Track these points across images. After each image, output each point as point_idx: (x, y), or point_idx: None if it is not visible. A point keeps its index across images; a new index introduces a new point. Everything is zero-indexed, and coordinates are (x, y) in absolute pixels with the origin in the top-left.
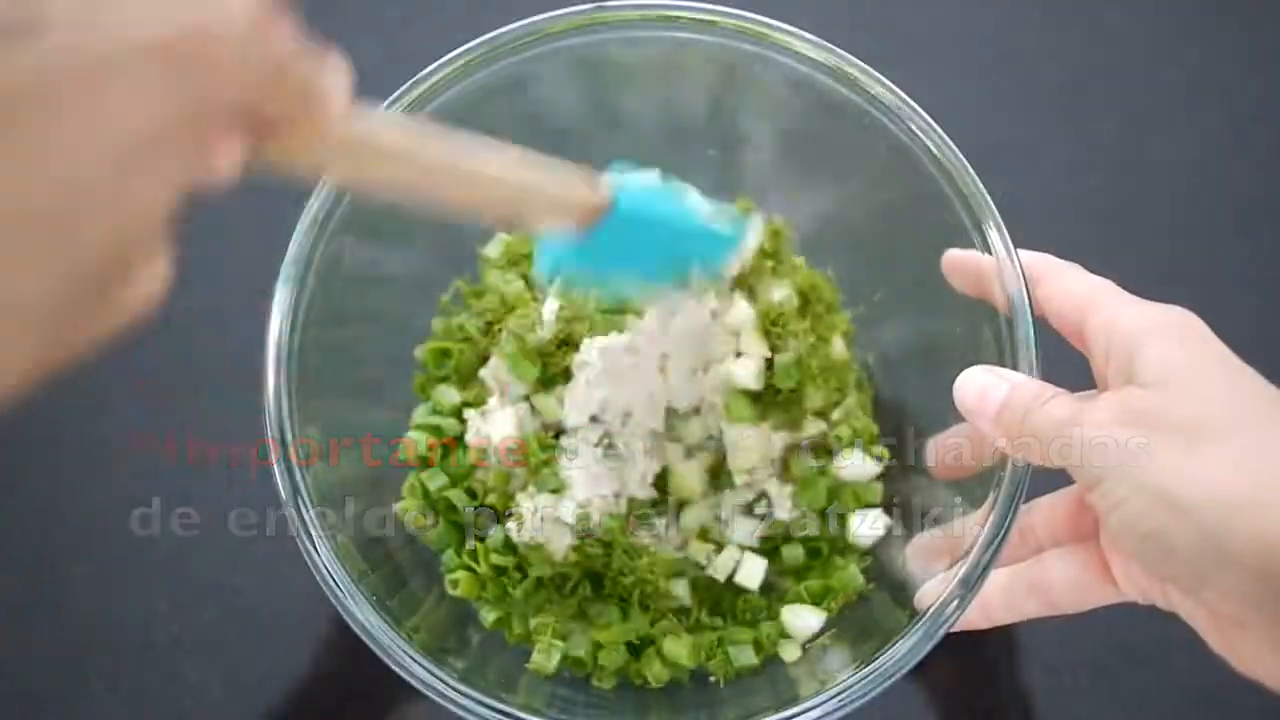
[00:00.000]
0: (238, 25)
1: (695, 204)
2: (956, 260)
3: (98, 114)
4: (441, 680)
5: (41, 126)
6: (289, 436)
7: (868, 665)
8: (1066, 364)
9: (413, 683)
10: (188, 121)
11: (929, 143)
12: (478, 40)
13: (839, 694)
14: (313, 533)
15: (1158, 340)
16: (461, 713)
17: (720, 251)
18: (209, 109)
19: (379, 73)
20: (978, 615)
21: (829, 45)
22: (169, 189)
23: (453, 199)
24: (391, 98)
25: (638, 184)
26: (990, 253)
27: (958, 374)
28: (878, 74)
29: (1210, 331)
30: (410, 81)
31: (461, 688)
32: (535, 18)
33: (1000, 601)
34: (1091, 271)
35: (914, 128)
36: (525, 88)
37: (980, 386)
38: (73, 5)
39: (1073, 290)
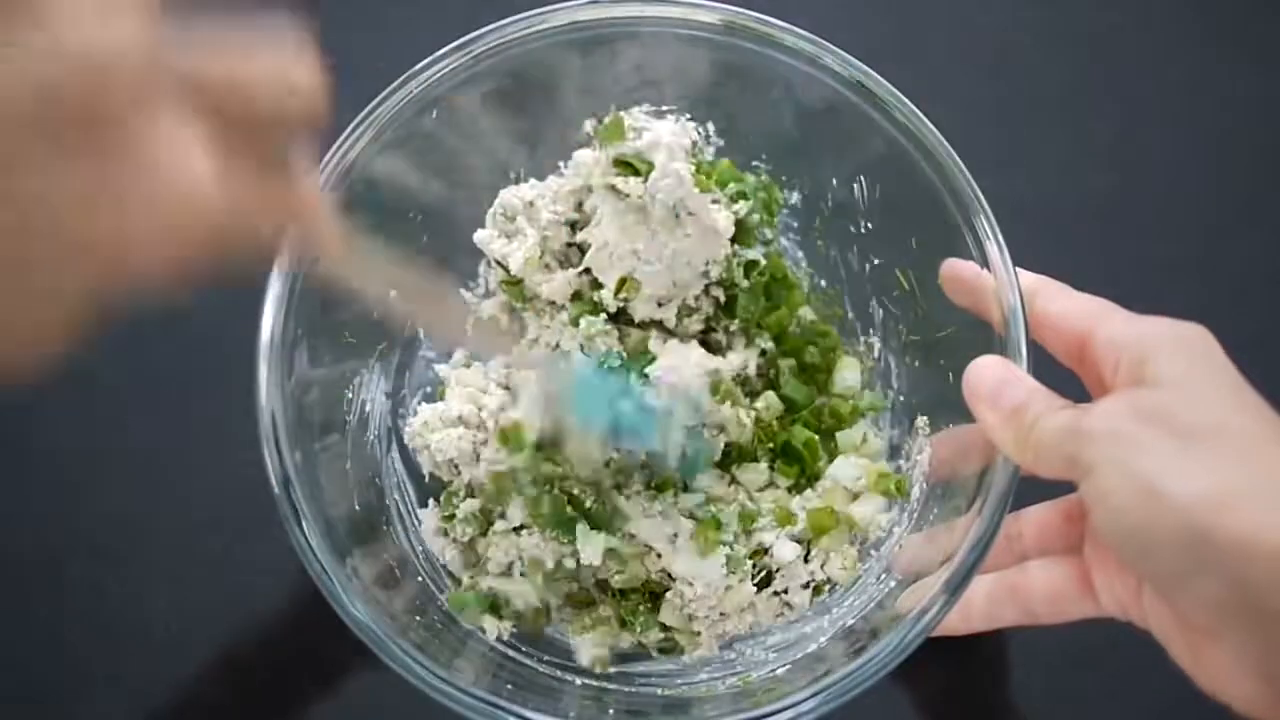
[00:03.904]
0: (185, 229)
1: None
2: (954, 271)
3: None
4: (431, 673)
5: None
6: (280, 425)
7: (848, 665)
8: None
9: (406, 676)
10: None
11: (926, 144)
12: (472, 35)
13: (819, 693)
14: (304, 521)
15: (1171, 349)
16: (455, 705)
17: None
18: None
19: (380, 72)
20: (958, 620)
21: (826, 44)
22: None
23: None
24: (386, 93)
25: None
26: (986, 263)
27: (948, 382)
28: (875, 74)
29: (1221, 349)
30: (402, 78)
31: (452, 680)
32: (531, 13)
33: (981, 607)
34: (1091, 271)
35: (911, 128)
36: (520, 84)
37: (998, 379)
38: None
39: (1074, 306)
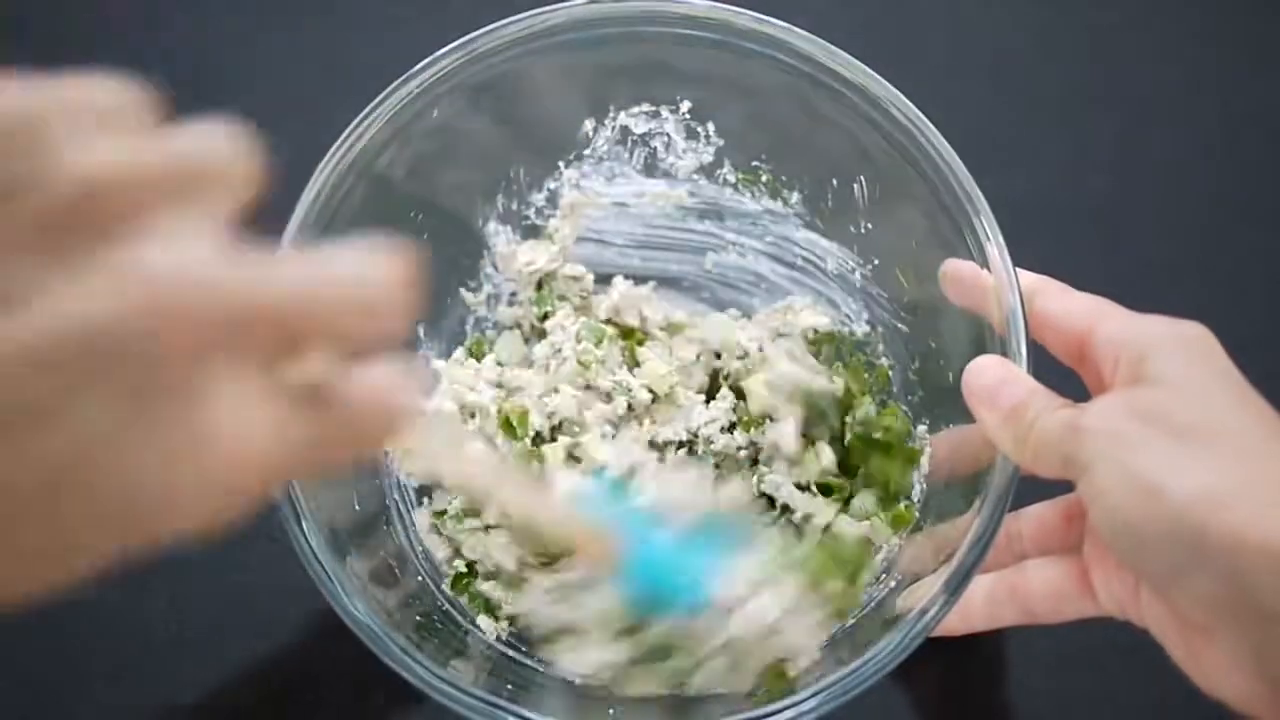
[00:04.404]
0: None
1: (709, 562)
2: (954, 271)
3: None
4: (431, 673)
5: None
6: None
7: (848, 665)
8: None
9: (405, 675)
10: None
11: (926, 144)
12: (472, 35)
13: (818, 693)
14: (304, 521)
15: (1170, 348)
16: (454, 705)
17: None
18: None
19: (379, 72)
20: (957, 621)
21: (825, 44)
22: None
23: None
24: (386, 92)
25: (649, 549)
26: (986, 263)
27: (948, 382)
28: (875, 74)
29: (1220, 348)
30: (402, 78)
31: (452, 680)
32: (531, 13)
33: (980, 607)
34: (1091, 271)
35: (911, 127)
36: (518, 83)
37: (997, 378)
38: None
39: (1075, 305)
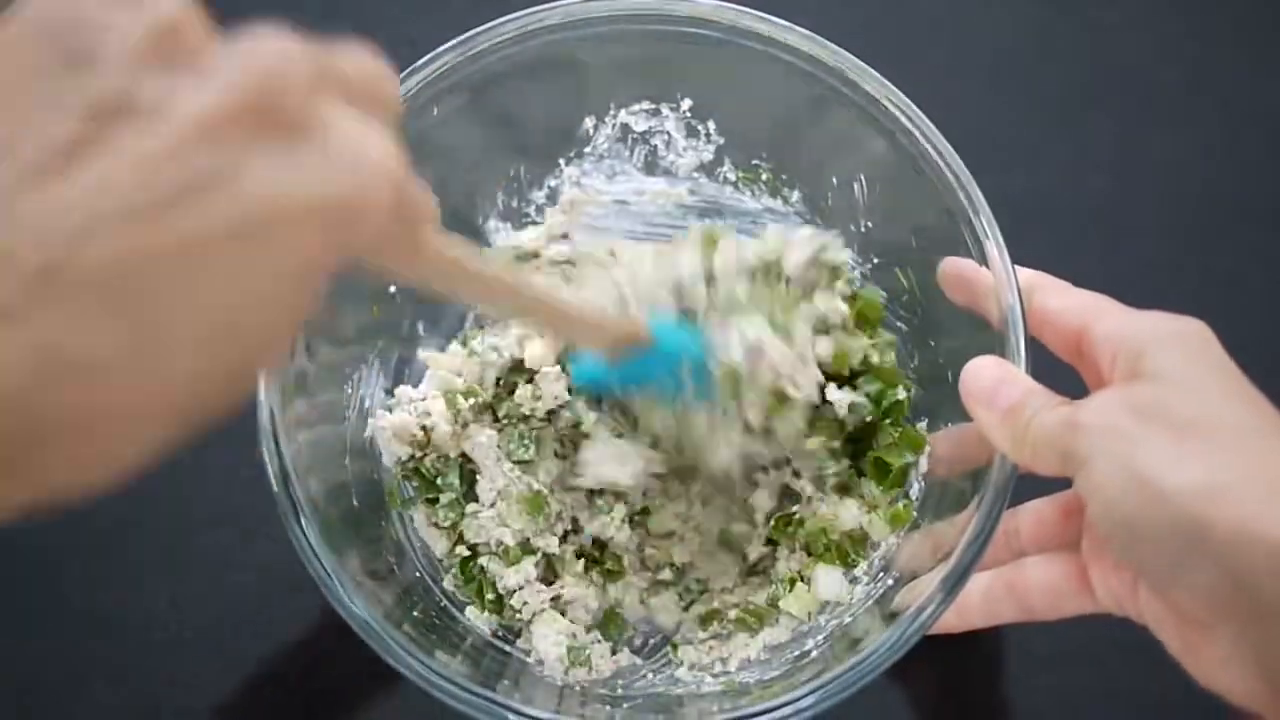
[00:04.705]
0: (385, 192)
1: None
2: (953, 269)
3: (255, 265)
4: (430, 669)
5: (219, 271)
6: (278, 416)
7: (845, 662)
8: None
9: (404, 672)
10: (328, 264)
11: (926, 143)
12: (471, 33)
13: (816, 690)
14: (302, 518)
15: (1168, 344)
16: (452, 702)
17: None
18: (348, 251)
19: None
20: (955, 618)
21: (826, 43)
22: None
23: (518, 316)
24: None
25: (671, 329)
26: (985, 262)
27: (948, 381)
28: (876, 73)
29: (1218, 343)
30: (401, 76)
31: (451, 676)
32: (529, 10)
33: (978, 604)
34: (1091, 271)
35: (911, 127)
36: (518, 81)
37: (994, 379)
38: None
39: (1073, 302)
